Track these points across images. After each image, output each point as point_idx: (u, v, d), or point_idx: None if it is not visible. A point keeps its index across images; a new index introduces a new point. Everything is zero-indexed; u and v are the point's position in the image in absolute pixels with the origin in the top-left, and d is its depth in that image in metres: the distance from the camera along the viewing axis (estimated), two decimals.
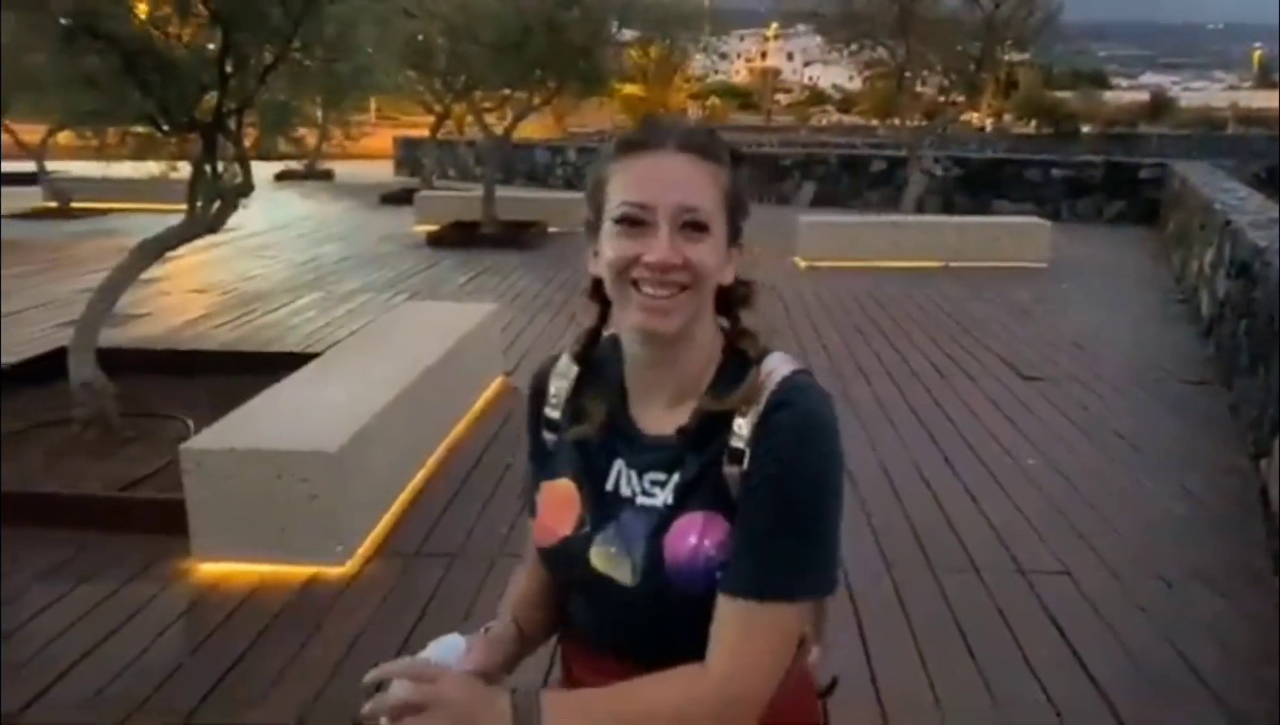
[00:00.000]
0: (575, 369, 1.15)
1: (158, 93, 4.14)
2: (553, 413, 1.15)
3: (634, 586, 1.04)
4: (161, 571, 3.28)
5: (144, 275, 4.77)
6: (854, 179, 15.74)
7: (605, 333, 1.14)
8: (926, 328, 7.13)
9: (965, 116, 25.29)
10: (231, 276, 9.05)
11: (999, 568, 3.37)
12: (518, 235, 10.96)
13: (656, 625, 1.05)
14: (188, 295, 8.22)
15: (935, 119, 13.77)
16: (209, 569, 3.28)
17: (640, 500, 1.05)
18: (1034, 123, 36.30)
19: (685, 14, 13.79)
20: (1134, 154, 18.95)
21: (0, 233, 10.54)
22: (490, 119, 12.51)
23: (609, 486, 1.08)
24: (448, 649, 1.07)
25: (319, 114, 6.22)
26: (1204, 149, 22.52)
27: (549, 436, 1.16)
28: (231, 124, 4.42)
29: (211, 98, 4.33)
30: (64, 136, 6.61)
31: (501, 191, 11.93)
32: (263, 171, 5.16)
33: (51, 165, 13.85)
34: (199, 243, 4.91)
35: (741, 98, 54.11)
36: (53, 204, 13.61)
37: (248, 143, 4.61)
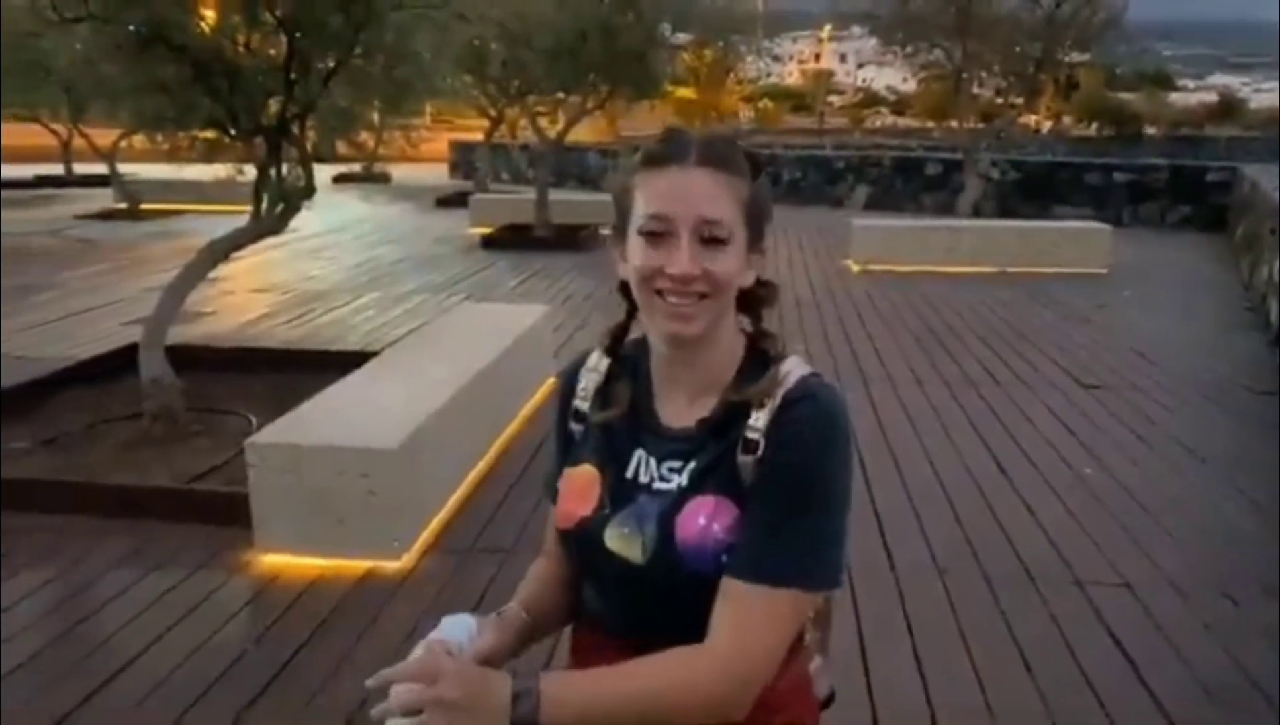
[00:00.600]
0: (605, 362, 1.21)
1: (225, 99, 4.28)
2: (581, 404, 1.21)
3: (644, 564, 1.08)
4: (226, 562, 3.38)
5: (209, 275, 4.92)
6: (908, 182, 15.54)
7: (634, 331, 1.20)
8: (982, 334, 7.02)
9: (1024, 119, 24.79)
10: (292, 276, 9.28)
11: (1055, 578, 3.31)
12: (570, 238, 11.06)
13: (665, 606, 1.08)
14: (251, 294, 8.44)
15: (993, 121, 13.53)
16: (271, 561, 3.38)
17: (657, 485, 1.11)
18: (1095, 125, 35.42)
19: (738, 17, 13.77)
20: (1200, 157, 18.43)
21: (73, 233, 10.91)
22: (543, 123, 12.62)
23: (629, 473, 1.14)
24: (459, 628, 1.11)
25: (377, 118, 6.35)
26: (1275, 152, 21.77)
27: (575, 427, 1.22)
28: (295, 129, 4.54)
29: (276, 103, 4.47)
30: (136, 140, 6.84)
31: (554, 195, 12.04)
32: (321, 174, 5.28)
33: (123, 168, 14.33)
34: (261, 244, 5.05)
35: (794, 100, 53.71)
36: (123, 205, 14.08)
37: (309, 147, 4.73)
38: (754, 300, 1.15)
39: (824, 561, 1.06)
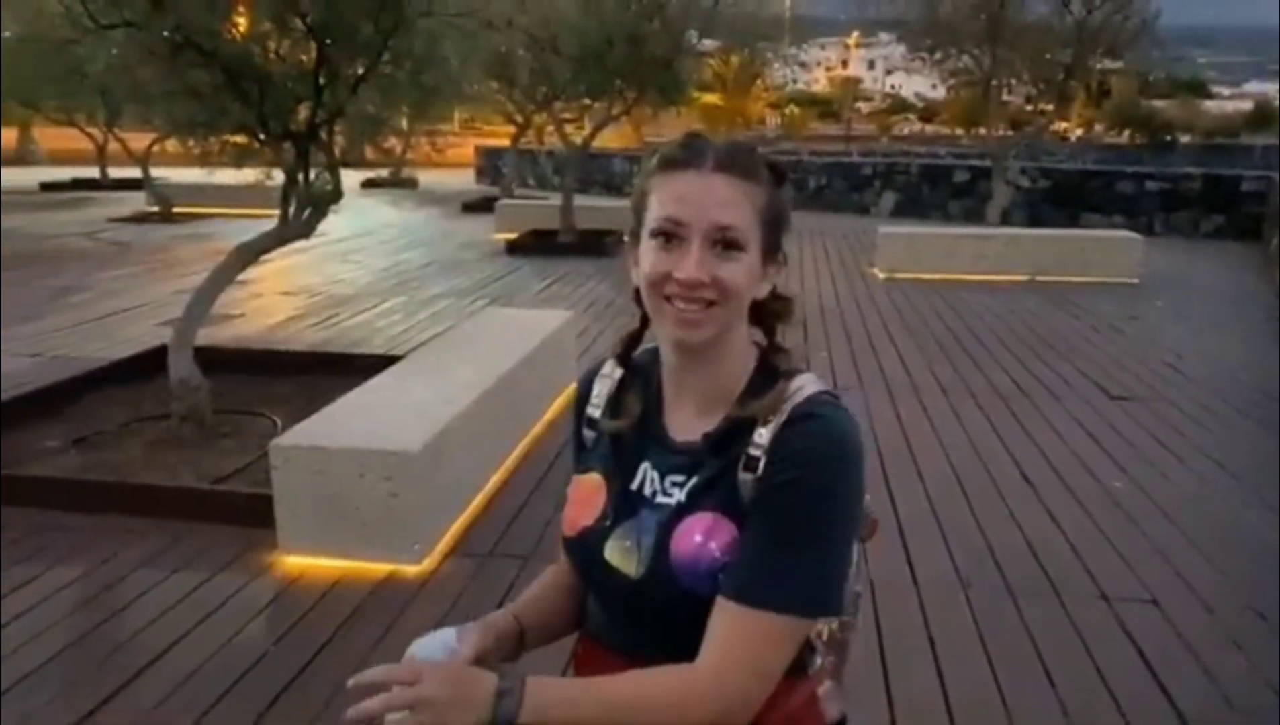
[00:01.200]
0: (619, 371, 1.20)
1: (256, 104, 4.33)
2: (594, 411, 1.20)
3: (638, 579, 1.07)
4: (250, 562, 3.42)
5: (238, 277, 4.98)
6: (936, 189, 15.43)
7: (650, 341, 1.18)
8: (1009, 343, 6.94)
9: (1054, 126, 24.53)
10: (319, 280, 9.37)
11: (1081, 593, 3.26)
12: (594, 243, 11.10)
13: (659, 622, 1.06)
14: (278, 297, 8.54)
15: (1022, 128, 13.41)
16: (293, 562, 3.41)
17: (659, 499, 1.09)
18: (1128, 133, 34.97)
19: (765, 24, 13.75)
20: (1236, 166, 18.11)
21: (107, 235, 11.12)
22: (569, 129, 12.68)
23: (634, 485, 1.12)
24: (435, 646, 1.09)
25: (405, 124, 6.41)
26: None
27: (588, 434, 1.21)
28: (324, 134, 4.60)
29: (305, 109, 4.52)
30: (168, 145, 6.95)
31: (579, 200, 12.08)
32: (349, 179, 5.34)
33: (155, 172, 14.56)
34: (289, 247, 5.11)
35: (821, 106, 53.52)
36: (155, 208, 14.30)
37: (337, 152, 4.78)
38: (768, 313, 1.13)
39: (819, 589, 1.02)
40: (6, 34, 8.82)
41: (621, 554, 1.09)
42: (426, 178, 20.00)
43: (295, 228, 4.75)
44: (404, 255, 11.16)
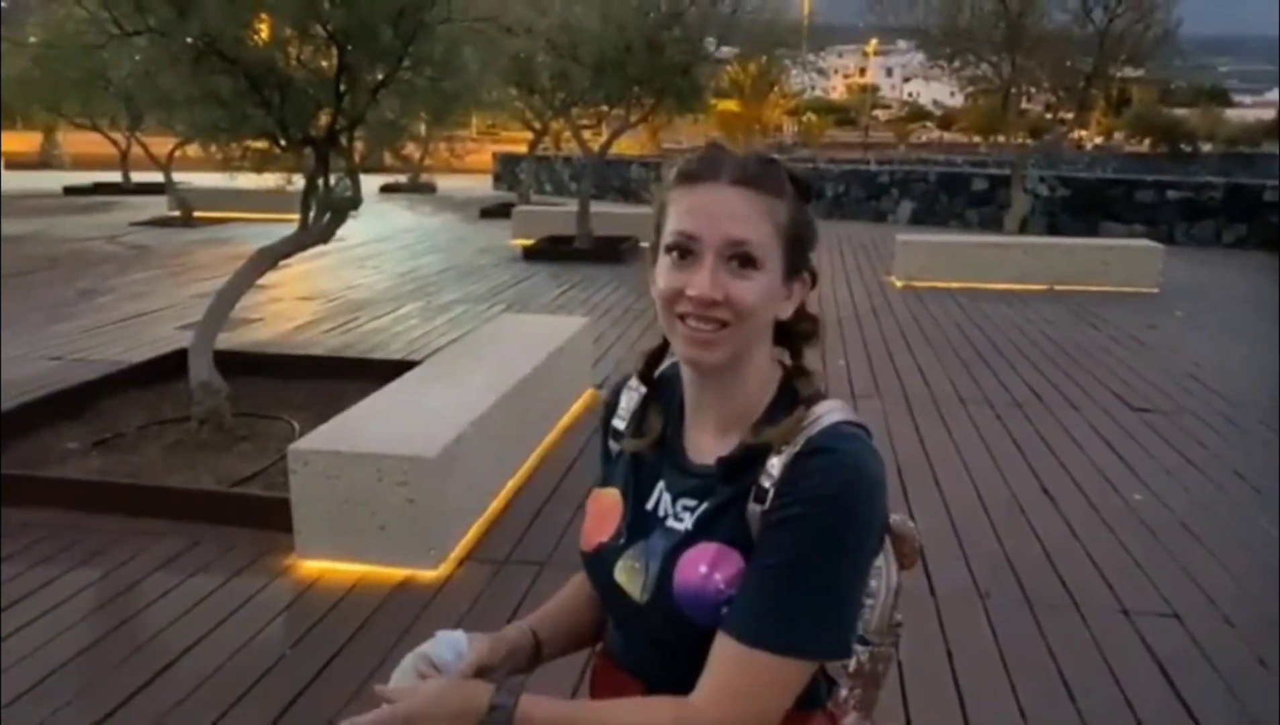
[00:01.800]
0: (644, 387, 1.18)
1: (277, 110, 4.37)
2: (619, 424, 1.18)
3: (643, 604, 1.05)
4: (267, 566, 3.43)
5: (258, 282, 5.01)
6: (954, 197, 15.37)
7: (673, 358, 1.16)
8: (1028, 353, 6.89)
9: (1073, 134, 24.38)
10: (337, 285, 9.43)
11: (1101, 607, 3.23)
12: (610, 250, 11.12)
13: (664, 648, 1.05)
14: (297, 302, 8.60)
15: (1041, 137, 13.33)
16: (310, 566, 3.42)
17: (670, 523, 1.07)
18: (1148, 141, 34.73)
19: (783, 31, 13.74)
20: (1257, 175, 17.95)
21: (129, 239, 11.24)
22: (587, 136, 12.72)
23: (649, 505, 1.10)
24: (447, 646, 1.11)
25: (424, 130, 6.44)
26: None
27: (614, 446, 1.19)
28: (344, 140, 4.63)
29: (326, 115, 4.55)
30: (190, 150, 7.02)
31: (596, 207, 12.11)
32: (368, 184, 5.38)
33: (177, 176, 14.71)
34: (307, 252, 5.14)
35: (839, 114, 53.46)
36: (176, 213, 14.44)
37: (357, 158, 4.82)
38: (794, 334, 1.08)
39: (820, 631, 0.97)
40: (31, 39, 8.94)
41: (629, 575, 1.07)
42: (444, 183, 20.11)
43: (315, 233, 4.78)
44: (422, 260, 11.21)
